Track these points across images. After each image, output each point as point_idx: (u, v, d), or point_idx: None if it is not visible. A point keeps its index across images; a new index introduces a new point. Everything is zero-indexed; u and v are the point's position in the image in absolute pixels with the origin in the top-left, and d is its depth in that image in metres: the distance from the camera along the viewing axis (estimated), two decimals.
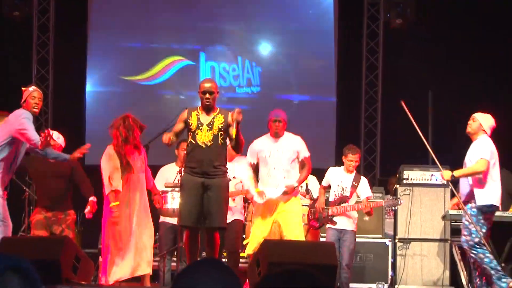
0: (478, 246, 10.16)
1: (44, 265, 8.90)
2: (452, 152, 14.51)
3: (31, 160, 11.18)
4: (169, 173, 11.58)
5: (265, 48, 17.90)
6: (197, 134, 9.89)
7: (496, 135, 10.79)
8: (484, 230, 10.21)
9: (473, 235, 10.16)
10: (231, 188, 10.84)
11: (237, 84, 17.74)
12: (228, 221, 10.81)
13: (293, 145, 10.90)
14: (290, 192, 10.63)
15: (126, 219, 10.50)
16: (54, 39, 17.78)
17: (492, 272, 10.07)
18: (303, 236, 10.84)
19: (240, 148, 10.13)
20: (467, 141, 15.10)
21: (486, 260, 10.08)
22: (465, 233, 10.25)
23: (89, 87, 17.48)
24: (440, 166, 11.00)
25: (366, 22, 17.94)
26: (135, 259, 10.45)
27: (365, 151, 17.45)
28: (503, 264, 11.20)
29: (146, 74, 17.42)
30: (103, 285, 9.97)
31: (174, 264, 12.13)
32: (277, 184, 10.68)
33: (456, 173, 10.48)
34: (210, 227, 9.92)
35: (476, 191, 10.30)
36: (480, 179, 10.37)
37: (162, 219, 11.66)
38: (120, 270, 10.40)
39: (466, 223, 10.29)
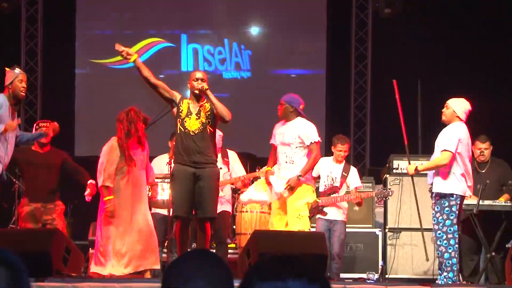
0: (444, 237, 10.21)
1: (35, 257, 8.89)
2: None
3: (21, 152, 11.17)
4: (162, 164, 11.58)
5: (254, 32, 17.91)
6: (185, 121, 9.95)
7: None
8: (451, 220, 10.22)
9: (441, 225, 10.22)
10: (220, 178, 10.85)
11: (224, 68, 17.74)
12: (220, 210, 10.97)
13: (297, 130, 10.70)
14: (294, 186, 10.56)
15: (128, 212, 10.48)
16: (42, 31, 17.76)
17: (445, 267, 10.12)
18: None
19: (225, 112, 10.00)
20: None
21: (446, 255, 10.12)
22: (433, 222, 10.30)
23: (78, 78, 17.49)
24: (408, 160, 11.03)
25: (355, 12, 17.94)
26: (133, 255, 10.44)
27: (354, 141, 17.46)
28: (493, 253, 11.21)
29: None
30: (94, 277, 9.95)
31: (164, 255, 12.18)
32: (279, 173, 10.68)
33: (420, 167, 10.48)
34: (202, 217, 9.95)
35: (436, 179, 10.32)
36: (444, 169, 10.30)
37: (153, 210, 11.61)
38: (114, 265, 10.40)
39: (433, 211, 10.32)
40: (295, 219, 10.46)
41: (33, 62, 17.71)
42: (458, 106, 10.60)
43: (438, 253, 10.17)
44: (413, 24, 17.00)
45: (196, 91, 9.96)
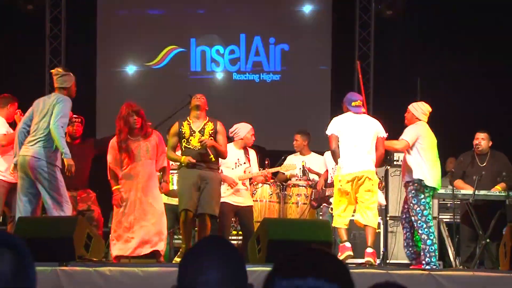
0: (424, 226, 10.26)
1: (59, 243, 8.92)
2: (443, 132, 14.55)
3: None
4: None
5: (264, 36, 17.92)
6: (190, 140, 10.58)
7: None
8: (428, 210, 10.38)
9: (419, 215, 10.29)
10: (241, 173, 11.51)
11: (236, 69, 17.77)
12: (245, 204, 11.54)
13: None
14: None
15: (131, 203, 10.48)
16: (65, 31, 17.77)
17: (428, 253, 10.19)
18: None
19: (221, 155, 10.79)
20: (454, 122, 15.17)
21: (428, 241, 10.23)
22: (412, 213, 10.39)
23: (99, 76, 17.51)
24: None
25: (358, 14, 17.92)
26: (139, 239, 10.44)
27: None
28: (488, 240, 11.19)
29: (154, 61, 17.48)
30: (113, 262, 9.96)
31: (178, 241, 12.22)
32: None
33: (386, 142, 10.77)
34: (203, 213, 10.41)
35: (406, 170, 10.62)
36: (410, 160, 10.59)
37: (164, 200, 11.62)
38: (122, 248, 10.42)
39: (411, 204, 10.40)
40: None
41: (57, 60, 17.71)
42: (417, 109, 10.94)
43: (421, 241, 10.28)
44: (413, 25, 16.98)
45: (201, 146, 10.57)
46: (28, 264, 2.38)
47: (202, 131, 10.57)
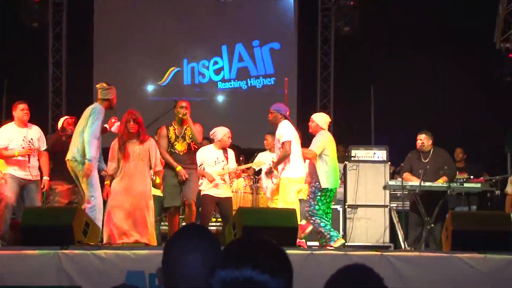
0: (315, 215, 10.45)
1: (60, 229, 8.86)
2: (392, 133, 14.61)
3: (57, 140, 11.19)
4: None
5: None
6: (175, 144, 10.80)
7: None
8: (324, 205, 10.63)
9: (311, 207, 10.49)
10: (219, 169, 11.53)
11: (220, 78, 17.79)
12: (225, 196, 11.53)
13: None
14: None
15: (125, 193, 10.46)
16: (66, 45, 17.70)
17: (326, 234, 10.35)
18: None
19: (197, 136, 10.80)
20: (402, 124, 15.23)
21: (322, 224, 10.42)
22: (307, 205, 10.61)
23: (96, 85, 17.44)
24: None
25: (320, 30, 17.96)
26: (130, 229, 10.42)
27: None
28: (433, 225, 11.24)
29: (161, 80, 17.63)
30: (107, 246, 9.90)
31: (163, 228, 12.28)
32: None
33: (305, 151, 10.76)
34: (186, 200, 10.57)
35: (314, 175, 10.67)
36: (319, 169, 10.65)
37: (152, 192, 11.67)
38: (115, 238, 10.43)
39: (310, 200, 10.65)
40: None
41: (59, 71, 17.67)
42: (320, 119, 10.99)
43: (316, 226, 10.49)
44: (367, 40, 17.03)
45: (180, 116, 10.71)
46: None
47: (183, 136, 10.77)
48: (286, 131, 10.58)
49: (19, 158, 10.79)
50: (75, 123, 11.35)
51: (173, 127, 10.80)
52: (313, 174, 10.69)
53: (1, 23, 16.77)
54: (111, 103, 10.27)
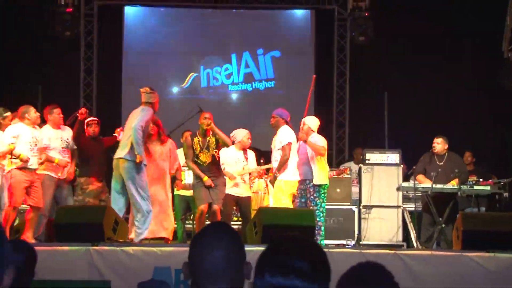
0: (322, 213, 10.63)
1: (91, 227, 8.90)
2: (404, 138, 14.57)
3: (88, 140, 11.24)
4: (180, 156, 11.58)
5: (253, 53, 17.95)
6: (200, 156, 10.76)
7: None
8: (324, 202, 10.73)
9: (319, 206, 10.58)
10: (240, 169, 11.53)
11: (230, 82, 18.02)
12: (244, 195, 11.53)
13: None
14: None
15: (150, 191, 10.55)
16: (97, 54, 17.78)
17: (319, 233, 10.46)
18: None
19: (227, 140, 10.86)
20: (415, 129, 15.18)
21: (322, 227, 10.56)
22: (312, 205, 10.60)
23: (124, 90, 17.55)
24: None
25: (336, 39, 17.95)
26: (155, 225, 10.48)
27: (336, 139, 17.48)
28: (444, 225, 11.22)
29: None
30: (134, 242, 9.93)
31: (188, 226, 12.29)
32: None
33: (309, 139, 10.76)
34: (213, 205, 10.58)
35: (309, 172, 10.68)
36: (316, 166, 10.70)
37: (177, 192, 11.69)
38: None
39: (312, 197, 10.65)
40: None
41: (90, 78, 17.74)
42: (312, 122, 11.02)
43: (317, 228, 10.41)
44: (381, 48, 16.99)
45: (204, 127, 10.67)
46: (2, 242, 2.32)
47: (207, 147, 10.75)
48: (287, 135, 10.71)
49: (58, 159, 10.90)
50: (98, 124, 11.40)
51: (198, 138, 10.80)
52: (307, 173, 10.68)
53: (36, 34, 16.86)
54: (153, 106, 10.32)
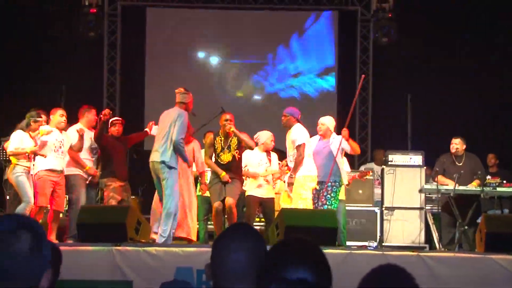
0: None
1: (114, 227, 8.95)
2: (427, 139, 14.53)
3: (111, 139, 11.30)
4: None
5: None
6: (221, 155, 10.68)
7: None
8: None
9: (332, 205, 10.67)
10: (263, 171, 11.55)
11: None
12: (267, 196, 11.52)
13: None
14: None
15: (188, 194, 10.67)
16: (120, 54, 17.85)
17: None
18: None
19: (250, 143, 10.85)
20: (437, 131, 15.13)
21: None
22: (323, 200, 10.63)
23: (147, 90, 17.61)
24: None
25: (359, 40, 17.93)
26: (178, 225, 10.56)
27: (359, 140, 17.45)
28: (466, 227, 11.19)
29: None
30: (157, 243, 9.97)
31: (210, 226, 12.30)
32: None
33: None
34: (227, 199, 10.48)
35: (331, 171, 10.72)
36: (342, 165, 10.89)
37: (198, 193, 11.74)
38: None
39: (328, 196, 10.70)
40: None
41: (113, 78, 17.81)
42: (330, 123, 11.05)
43: None
44: (404, 50, 16.94)
45: (226, 130, 10.64)
46: (44, 244, 2.36)
47: (229, 147, 10.72)
48: (301, 134, 10.62)
49: (88, 160, 11.01)
50: (122, 123, 11.43)
51: (220, 137, 10.78)
52: (335, 172, 10.67)
53: (60, 34, 16.95)
54: (187, 107, 10.37)
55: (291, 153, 10.72)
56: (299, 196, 10.49)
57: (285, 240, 2.46)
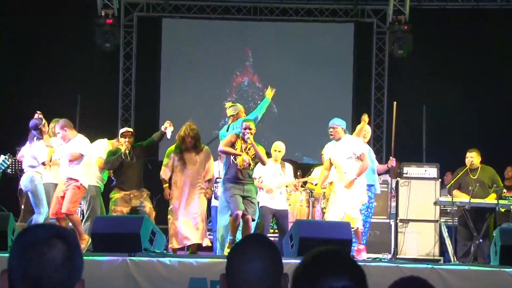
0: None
1: (128, 237, 8.95)
2: (442, 151, 14.51)
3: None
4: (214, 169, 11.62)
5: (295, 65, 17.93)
6: (237, 158, 10.36)
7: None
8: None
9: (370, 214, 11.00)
10: (277, 182, 11.58)
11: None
12: (281, 208, 11.60)
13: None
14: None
15: (181, 199, 10.69)
16: (136, 64, 17.93)
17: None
18: None
19: (263, 158, 10.65)
20: (453, 143, 15.10)
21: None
22: (363, 208, 10.67)
23: (162, 101, 17.66)
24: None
25: (375, 53, 17.93)
26: (184, 233, 10.61)
27: (374, 151, 17.42)
28: (481, 240, 11.16)
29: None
30: (172, 254, 9.99)
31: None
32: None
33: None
34: (249, 216, 10.31)
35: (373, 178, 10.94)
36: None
37: (214, 203, 11.72)
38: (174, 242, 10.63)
39: (373, 202, 11.02)
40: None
41: (128, 89, 17.88)
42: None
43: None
44: (420, 62, 16.95)
45: (246, 139, 10.37)
46: (77, 253, 2.38)
47: (247, 153, 10.50)
48: (360, 144, 10.55)
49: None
50: (133, 134, 11.46)
51: (240, 141, 10.59)
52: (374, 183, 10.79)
53: (76, 44, 17.04)
54: (237, 117, 10.73)
55: (343, 164, 10.57)
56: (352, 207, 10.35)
57: (321, 250, 2.47)
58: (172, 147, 11.16)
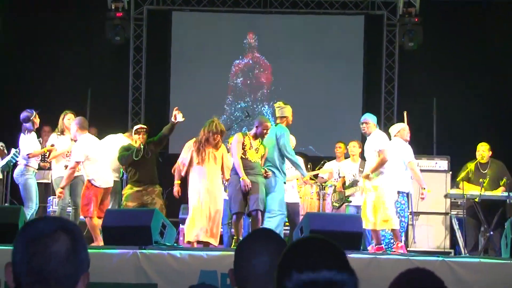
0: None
1: (139, 230, 8.97)
2: (453, 144, 14.47)
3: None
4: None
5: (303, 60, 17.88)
6: (247, 152, 10.50)
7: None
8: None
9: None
10: (288, 176, 11.33)
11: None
12: (292, 201, 11.62)
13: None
14: None
15: (199, 196, 10.58)
16: (146, 58, 17.92)
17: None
18: None
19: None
20: (463, 136, 15.06)
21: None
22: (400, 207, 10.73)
23: (172, 94, 17.64)
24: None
25: (385, 45, 17.87)
26: (201, 228, 10.52)
27: None
28: (491, 232, 11.15)
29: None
30: (182, 246, 10.00)
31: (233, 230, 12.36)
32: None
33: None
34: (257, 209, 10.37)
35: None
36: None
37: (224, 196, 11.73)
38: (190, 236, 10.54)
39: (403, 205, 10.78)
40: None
41: (139, 82, 17.87)
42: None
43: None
44: (430, 54, 16.89)
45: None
46: (81, 247, 2.38)
47: (257, 150, 10.58)
48: (382, 139, 10.47)
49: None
50: (146, 131, 11.36)
51: (249, 138, 10.66)
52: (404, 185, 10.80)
53: (87, 37, 17.06)
54: (287, 120, 10.47)
55: (368, 158, 10.55)
56: (383, 206, 10.25)
57: (303, 239, 2.42)
58: (191, 141, 11.00)
